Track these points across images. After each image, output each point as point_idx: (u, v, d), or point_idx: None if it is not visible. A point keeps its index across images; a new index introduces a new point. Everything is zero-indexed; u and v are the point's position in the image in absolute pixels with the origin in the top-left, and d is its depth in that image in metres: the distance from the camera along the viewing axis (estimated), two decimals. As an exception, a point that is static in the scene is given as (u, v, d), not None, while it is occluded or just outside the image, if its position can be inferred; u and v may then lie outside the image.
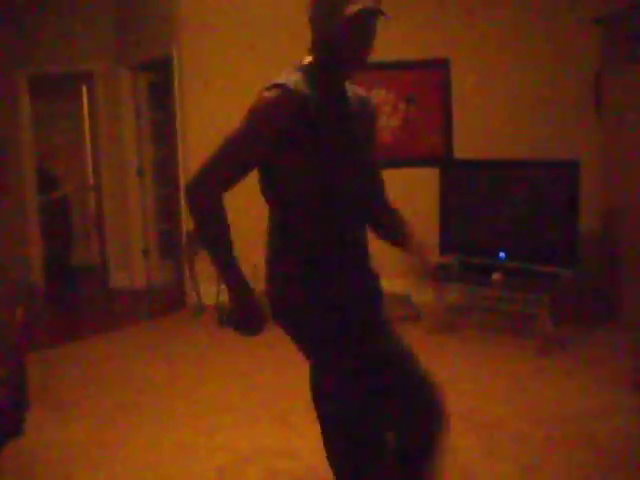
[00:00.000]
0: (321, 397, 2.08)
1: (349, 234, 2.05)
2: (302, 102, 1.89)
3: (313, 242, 2.01)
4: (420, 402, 2.10)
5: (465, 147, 5.84)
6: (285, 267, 2.06)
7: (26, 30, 6.84)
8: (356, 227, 2.08)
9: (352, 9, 1.82)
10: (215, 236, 1.95)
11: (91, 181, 8.47)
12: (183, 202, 6.18)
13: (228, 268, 1.99)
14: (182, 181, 6.17)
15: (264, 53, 5.95)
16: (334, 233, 2.02)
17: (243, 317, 2.03)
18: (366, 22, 1.88)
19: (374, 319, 2.16)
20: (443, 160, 5.62)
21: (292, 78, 1.92)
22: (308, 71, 1.97)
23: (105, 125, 7.04)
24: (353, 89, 2.11)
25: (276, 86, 1.90)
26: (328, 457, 2.09)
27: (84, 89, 8.15)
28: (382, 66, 5.91)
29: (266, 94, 1.91)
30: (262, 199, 2.12)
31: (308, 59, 2.01)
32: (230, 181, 1.95)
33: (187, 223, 6.14)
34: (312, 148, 1.92)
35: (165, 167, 6.93)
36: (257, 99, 1.93)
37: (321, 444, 2.11)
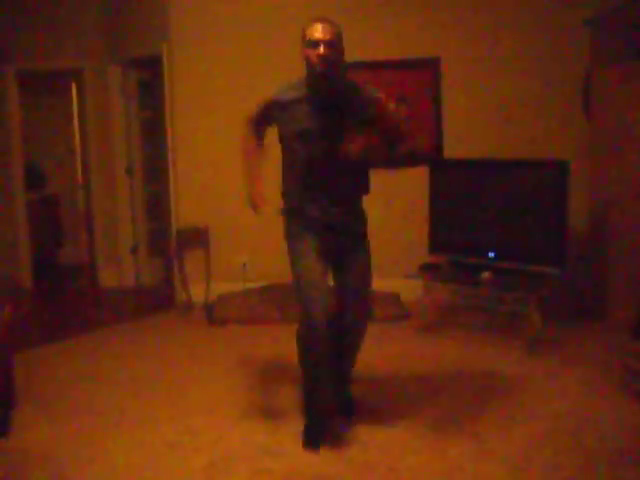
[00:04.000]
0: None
1: (308, 181, 3.28)
2: (275, 101, 3.34)
3: (286, 182, 3.43)
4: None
5: (455, 147, 5.85)
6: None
7: (15, 26, 6.79)
8: (317, 177, 3.26)
9: (306, 40, 3.13)
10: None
11: (80, 179, 8.43)
12: (173, 200, 6.16)
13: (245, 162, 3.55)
14: (172, 179, 6.15)
15: (254, 51, 5.94)
16: (295, 179, 3.34)
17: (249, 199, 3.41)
18: (314, 47, 3.10)
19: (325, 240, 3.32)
20: (432, 159, 5.62)
21: (281, 88, 3.36)
22: (298, 81, 3.32)
23: (94, 122, 7.01)
24: (353, 91, 3.31)
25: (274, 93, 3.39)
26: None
27: (73, 86, 8.10)
28: (372, 65, 5.92)
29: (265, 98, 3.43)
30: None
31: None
32: (256, 122, 3.50)
33: (176, 221, 6.13)
34: (280, 126, 3.34)
35: (154, 165, 6.91)
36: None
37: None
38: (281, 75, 6.53)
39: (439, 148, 5.92)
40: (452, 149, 5.85)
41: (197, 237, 6.04)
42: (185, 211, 6.11)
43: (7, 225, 7.09)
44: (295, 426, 3.51)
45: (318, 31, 3.08)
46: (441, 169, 5.38)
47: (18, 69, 6.94)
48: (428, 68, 5.90)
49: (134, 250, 7.08)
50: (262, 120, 3.44)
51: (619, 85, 5.04)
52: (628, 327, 4.23)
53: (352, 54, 5.90)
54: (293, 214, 3.38)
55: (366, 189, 3.44)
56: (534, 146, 5.68)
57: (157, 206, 7.00)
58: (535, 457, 3.17)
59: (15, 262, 7.12)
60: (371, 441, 3.37)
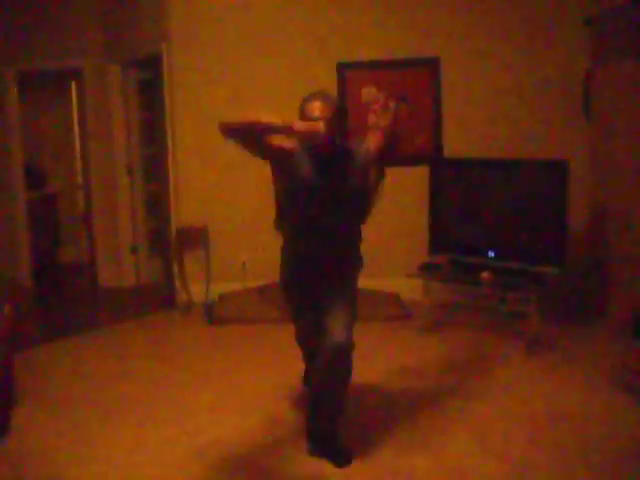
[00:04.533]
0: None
1: (304, 243, 3.25)
2: (291, 154, 3.10)
3: (285, 243, 3.41)
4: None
5: (455, 146, 5.85)
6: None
7: (15, 26, 6.79)
8: (317, 238, 3.20)
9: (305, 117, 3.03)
10: None
11: (80, 178, 8.43)
12: (173, 200, 6.16)
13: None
14: (171, 179, 6.15)
15: (255, 51, 5.94)
16: (292, 242, 3.33)
17: None
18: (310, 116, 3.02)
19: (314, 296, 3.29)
20: (433, 159, 5.63)
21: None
22: None
23: (94, 122, 7.00)
24: (348, 145, 3.26)
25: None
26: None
27: (73, 86, 8.10)
28: (372, 65, 5.92)
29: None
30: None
31: None
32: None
33: (176, 221, 6.13)
34: (286, 175, 3.16)
35: (154, 164, 6.90)
36: None
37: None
38: (282, 74, 6.54)
39: (439, 147, 5.92)
40: (452, 148, 5.85)
41: (197, 236, 6.04)
42: (185, 210, 6.11)
43: (7, 225, 7.08)
44: (295, 426, 3.52)
45: (317, 109, 3.04)
46: (441, 168, 5.38)
47: (18, 69, 6.93)
48: (428, 68, 5.90)
49: (134, 250, 7.08)
50: (275, 153, 3.10)
51: (619, 85, 5.04)
52: (628, 327, 4.23)
53: (352, 54, 5.96)
54: (283, 273, 3.39)
55: (361, 235, 3.39)
56: (534, 146, 5.68)
57: (157, 205, 7.00)
58: (536, 456, 3.17)
59: (15, 261, 7.12)
60: (372, 440, 3.37)
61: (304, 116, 3.04)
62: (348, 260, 3.33)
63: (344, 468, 3.13)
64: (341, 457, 3.19)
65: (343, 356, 3.08)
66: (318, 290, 3.27)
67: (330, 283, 3.26)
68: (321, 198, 3.13)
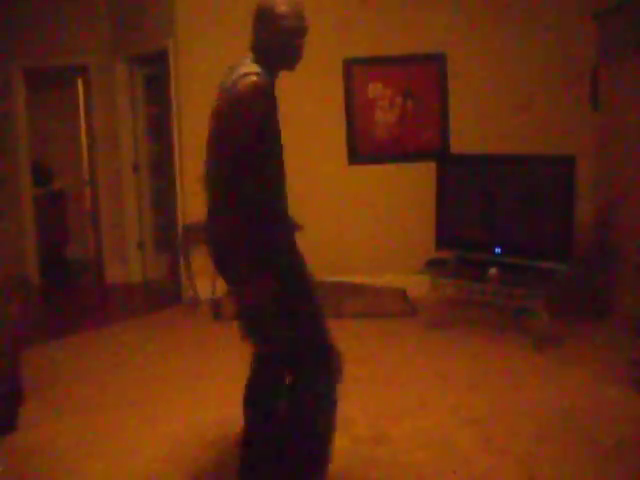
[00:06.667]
0: None
1: (282, 203, 2.62)
2: (268, 91, 2.47)
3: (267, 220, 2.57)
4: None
5: (461, 142, 5.83)
6: None
7: (21, 22, 6.80)
8: (284, 193, 2.62)
9: (294, 25, 2.50)
10: None
11: (86, 175, 8.44)
12: (179, 196, 6.16)
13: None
14: (178, 175, 6.15)
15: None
16: (274, 212, 2.59)
17: None
18: (303, 37, 2.54)
19: None
20: (439, 155, 5.61)
21: (257, 68, 2.47)
22: (255, 63, 2.53)
23: (101, 118, 7.01)
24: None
25: (254, 80, 2.41)
26: None
27: (79, 82, 8.11)
28: (378, 61, 5.91)
29: (250, 83, 2.40)
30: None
31: (252, 56, 2.61)
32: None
33: (183, 217, 6.13)
34: (269, 126, 2.48)
35: (161, 161, 6.91)
36: (243, 88, 2.40)
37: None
38: (291, 74, 6.46)
39: (445, 143, 5.91)
40: (458, 144, 5.83)
41: (203, 233, 6.03)
42: (191, 207, 6.11)
43: (14, 221, 7.10)
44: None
45: (305, 17, 2.54)
46: (448, 164, 5.37)
47: (24, 66, 6.94)
48: (434, 63, 5.89)
49: (141, 246, 7.09)
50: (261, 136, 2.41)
51: (627, 79, 5.02)
52: (636, 322, 4.22)
53: (359, 50, 5.95)
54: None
55: None
56: (541, 141, 5.66)
57: (163, 202, 7.00)
58: (543, 451, 3.17)
59: (22, 258, 7.14)
60: (377, 436, 3.37)
61: (293, 26, 2.52)
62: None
63: None
64: None
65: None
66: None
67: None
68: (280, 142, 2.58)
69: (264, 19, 2.59)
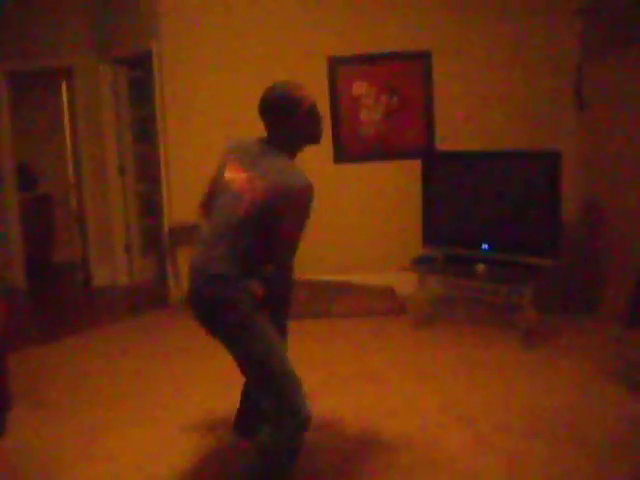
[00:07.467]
0: None
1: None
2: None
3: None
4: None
5: (447, 139, 5.84)
6: None
7: (4, 25, 6.75)
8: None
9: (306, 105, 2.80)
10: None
11: (72, 178, 8.39)
12: (165, 198, 6.14)
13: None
14: (163, 177, 6.13)
15: (247, 48, 5.92)
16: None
17: None
18: (320, 123, 2.84)
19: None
20: (425, 152, 5.62)
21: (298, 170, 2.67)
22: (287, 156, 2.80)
23: (85, 121, 6.98)
24: None
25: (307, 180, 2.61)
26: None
27: (64, 84, 8.06)
28: (363, 58, 5.91)
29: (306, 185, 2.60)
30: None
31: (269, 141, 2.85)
32: None
33: (169, 219, 6.11)
34: None
35: (146, 163, 6.88)
36: (300, 190, 2.58)
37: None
38: (275, 74, 6.51)
39: (431, 140, 5.92)
40: (444, 142, 5.85)
41: (190, 234, 6.02)
42: (178, 208, 6.09)
43: (0, 225, 7.05)
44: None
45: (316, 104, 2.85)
46: (433, 161, 5.37)
47: (8, 69, 6.90)
48: (419, 61, 5.90)
49: (127, 248, 7.06)
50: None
51: (611, 74, 5.04)
52: (621, 316, 4.24)
53: (344, 48, 5.95)
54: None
55: None
56: (526, 137, 5.68)
57: (149, 204, 6.98)
58: (532, 449, 3.17)
59: (8, 262, 7.09)
60: (367, 435, 3.37)
61: (314, 112, 2.86)
62: None
63: None
64: None
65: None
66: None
67: None
68: None
69: (286, 111, 2.82)
